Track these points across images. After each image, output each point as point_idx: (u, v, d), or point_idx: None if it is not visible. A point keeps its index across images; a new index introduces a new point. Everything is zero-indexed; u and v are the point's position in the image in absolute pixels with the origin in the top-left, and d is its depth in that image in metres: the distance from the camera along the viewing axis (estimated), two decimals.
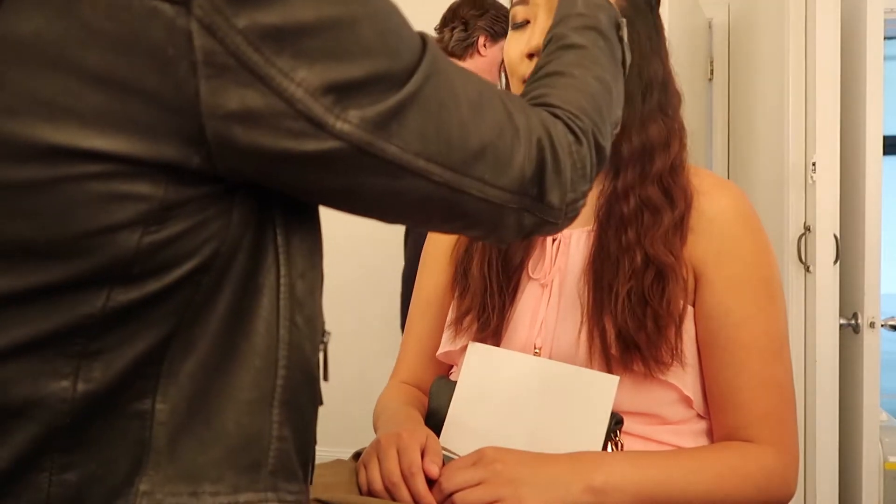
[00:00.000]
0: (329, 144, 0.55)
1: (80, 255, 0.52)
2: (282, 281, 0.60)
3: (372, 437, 0.95)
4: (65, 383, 0.53)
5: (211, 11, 0.50)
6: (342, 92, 0.55)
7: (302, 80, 0.53)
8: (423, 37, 0.63)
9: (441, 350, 1.06)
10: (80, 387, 0.54)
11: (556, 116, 0.71)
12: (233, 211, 0.57)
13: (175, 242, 0.54)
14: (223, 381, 0.58)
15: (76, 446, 0.55)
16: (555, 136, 0.69)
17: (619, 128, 0.80)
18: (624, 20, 0.82)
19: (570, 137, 0.71)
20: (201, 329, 0.57)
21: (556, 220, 0.72)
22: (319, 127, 0.54)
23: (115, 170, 0.51)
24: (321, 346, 0.66)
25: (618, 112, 0.79)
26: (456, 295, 1.07)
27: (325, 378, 0.67)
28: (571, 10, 0.81)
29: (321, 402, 0.68)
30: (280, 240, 0.60)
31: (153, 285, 0.54)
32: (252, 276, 0.59)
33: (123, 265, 0.53)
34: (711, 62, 2.73)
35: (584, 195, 0.73)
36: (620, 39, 0.82)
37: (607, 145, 0.76)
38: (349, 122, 0.55)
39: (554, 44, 0.80)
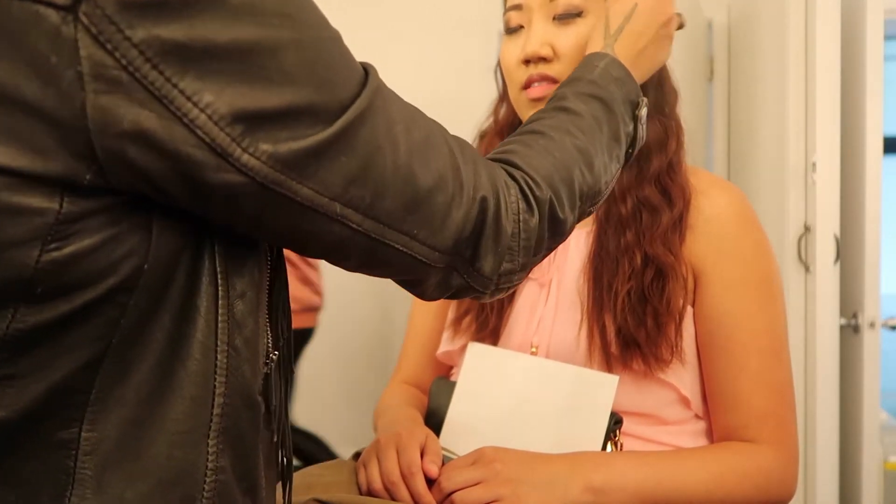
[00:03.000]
0: (231, 178, 0.50)
1: None
2: (220, 302, 0.55)
3: (372, 437, 0.96)
4: None
5: (101, 20, 0.45)
6: (254, 122, 0.50)
7: (207, 104, 0.48)
8: (366, 71, 0.58)
9: (440, 350, 1.07)
10: None
11: (513, 178, 0.67)
12: (152, 225, 0.52)
13: (82, 259, 0.49)
14: (157, 411, 0.53)
15: None
16: (503, 199, 0.64)
17: (598, 202, 0.75)
18: (644, 100, 0.79)
19: (522, 204, 0.66)
20: (136, 355, 0.53)
21: (483, 288, 0.67)
22: (222, 158, 0.50)
23: (3, 182, 0.46)
24: (265, 369, 0.60)
25: (599, 186, 0.74)
26: None
27: (268, 407, 0.61)
28: (584, 75, 0.78)
29: (276, 425, 0.64)
30: (218, 258, 0.55)
31: (63, 306, 0.49)
32: (189, 297, 0.54)
33: (24, 284, 0.48)
34: (711, 62, 2.73)
35: (526, 268, 0.68)
36: (636, 118, 0.78)
37: (569, 218, 0.70)
38: (257, 156, 0.50)
39: (552, 102, 0.77)
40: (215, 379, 0.55)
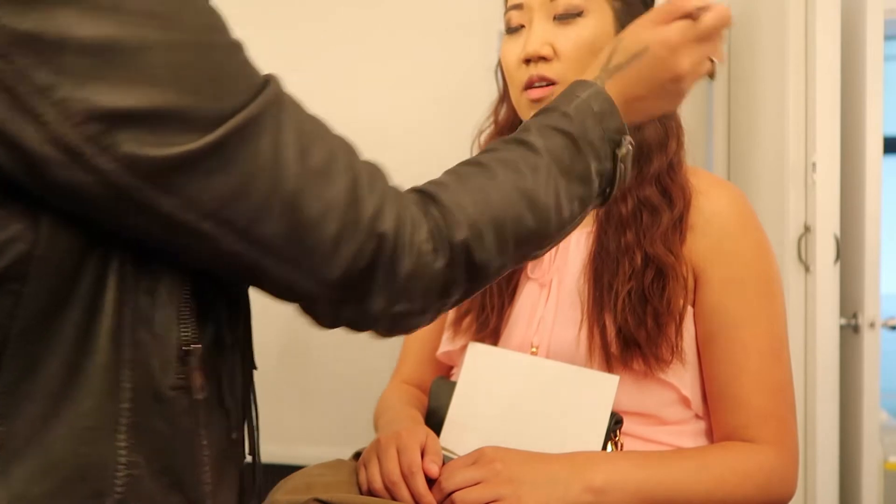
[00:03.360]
0: (80, 178, 0.48)
1: None
2: (125, 297, 0.54)
3: (372, 437, 0.96)
4: None
5: None
6: (113, 122, 0.48)
7: (61, 100, 0.46)
8: (266, 84, 0.55)
9: (441, 350, 1.07)
10: None
11: (427, 215, 0.63)
12: (39, 212, 0.50)
13: None
14: (65, 406, 0.52)
15: None
16: (406, 237, 0.60)
17: (547, 244, 0.71)
18: (628, 139, 0.73)
19: (428, 246, 0.61)
20: (43, 349, 0.51)
21: (370, 325, 0.64)
22: (74, 157, 0.48)
23: None
24: (181, 362, 0.57)
25: (547, 229, 0.69)
26: None
27: (195, 396, 0.58)
28: (560, 105, 0.72)
29: (233, 422, 0.64)
30: (125, 253, 0.54)
31: None
32: (97, 293, 0.53)
33: None
34: (712, 62, 2.73)
35: (429, 311, 0.65)
36: (615, 157, 0.72)
37: (494, 262, 0.66)
38: (116, 158, 0.48)
39: (516, 132, 0.72)
40: (122, 373, 0.54)
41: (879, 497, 1.90)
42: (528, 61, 0.96)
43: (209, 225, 0.53)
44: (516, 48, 0.98)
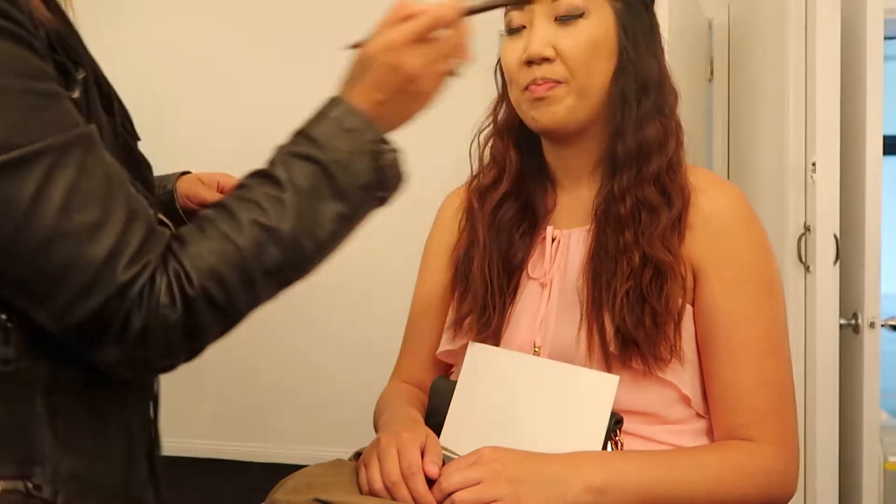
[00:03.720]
0: None
1: None
2: None
3: (372, 436, 0.95)
4: None
5: None
6: None
7: None
8: (54, 138, 0.63)
9: (441, 349, 1.07)
10: None
11: (166, 272, 0.68)
12: None
13: None
14: None
15: None
16: (144, 295, 0.66)
17: (309, 266, 0.76)
18: (388, 147, 0.77)
19: (165, 299, 0.67)
20: None
21: (113, 368, 0.70)
22: None
23: None
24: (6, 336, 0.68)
25: (301, 254, 0.74)
26: (456, 296, 1.07)
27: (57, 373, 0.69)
28: (310, 130, 0.76)
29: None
30: None
31: None
32: None
33: None
34: (711, 62, 2.73)
35: (174, 354, 0.71)
36: (378, 171, 0.76)
37: (242, 299, 0.72)
38: None
39: (265, 164, 0.76)
40: None
41: (879, 497, 1.90)
42: (530, 63, 0.96)
43: None
44: (517, 49, 0.98)
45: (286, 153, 0.75)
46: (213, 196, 1.05)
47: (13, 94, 0.61)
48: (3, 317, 0.68)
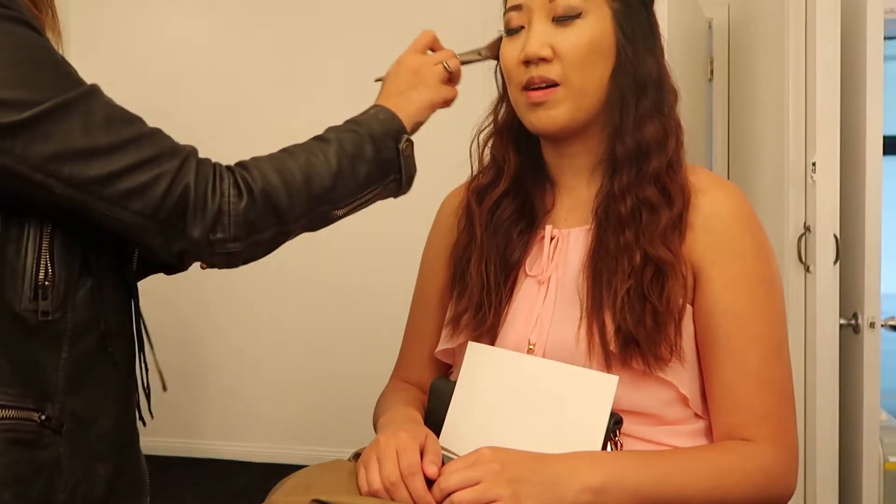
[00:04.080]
0: None
1: None
2: None
3: (371, 437, 0.95)
4: None
5: None
6: None
7: None
8: (79, 84, 0.83)
9: (439, 348, 1.07)
10: None
11: (231, 171, 0.89)
12: None
13: None
14: None
15: None
16: (209, 184, 0.86)
17: (340, 206, 0.97)
18: (406, 137, 1.01)
19: (233, 190, 0.87)
20: None
21: (199, 251, 0.87)
22: None
23: None
24: (47, 294, 0.84)
25: (336, 192, 0.95)
26: (454, 295, 1.07)
27: (76, 329, 0.87)
28: (354, 118, 1.01)
29: (117, 354, 0.91)
30: None
31: None
32: None
33: None
34: (711, 62, 2.73)
35: (241, 239, 0.88)
36: (398, 150, 0.99)
37: (294, 209, 0.92)
38: None
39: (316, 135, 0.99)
40: None
41: (879, 497, 1.90)
42: (527, 62, 0.96)
43: (40, 176, 0.79)
44: (516, 49, 0.98)
45: (334, 129, 0.99)
46: None
47: (39, 62, 0.80)
48: (42, 276, 0.84)
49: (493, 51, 1.07)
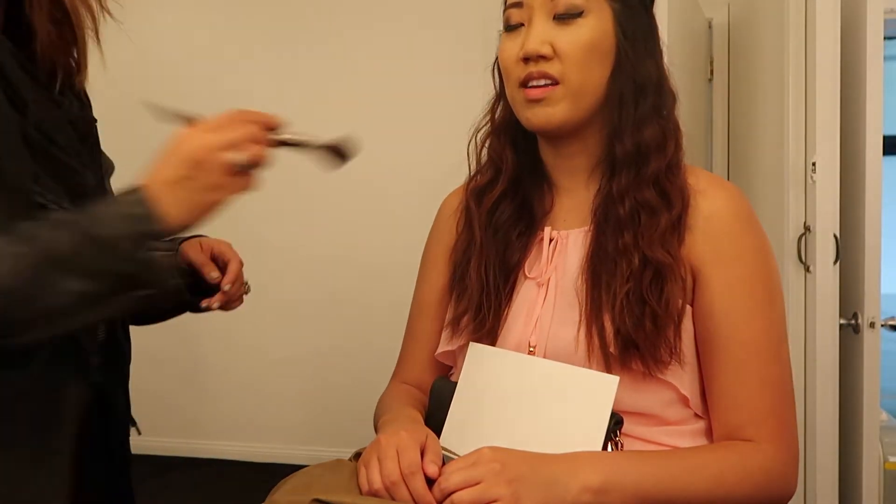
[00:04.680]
0: None
1: None
2: None
3: (372, 437, 0.95)
4: None
5: None
6: None
7: None
8: None
9: (440, 350, 1.07)
10: None
11: None
12: None
13: None
14: None
15: None
16: None
17: (22, 334, 0.77)
18: (159, 244, 0.85)
19: None
20: None
21: None
22: None
23: None
24: None
25: (13, 311, 0.75)
26: (453, 296, 1.07)
27: None
28: (100, 212, 0.79)
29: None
30: None
31: None
32: None
33: None
34: (711, 62, 2.73)
35: None
36: (135, 258, 0.79)
37: None
38: None
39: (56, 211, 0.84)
40: None
41: (879, 497, 1.90)
42: (526, 59, 0.96)
43: None
44: (515, 46, 0.98)
45: (64, 219, 0.79)
46: (198, 258, 1.12)
47: None
48: None
49: (333, 149, 0.88)
